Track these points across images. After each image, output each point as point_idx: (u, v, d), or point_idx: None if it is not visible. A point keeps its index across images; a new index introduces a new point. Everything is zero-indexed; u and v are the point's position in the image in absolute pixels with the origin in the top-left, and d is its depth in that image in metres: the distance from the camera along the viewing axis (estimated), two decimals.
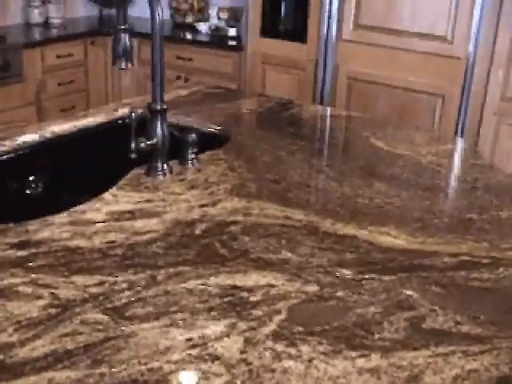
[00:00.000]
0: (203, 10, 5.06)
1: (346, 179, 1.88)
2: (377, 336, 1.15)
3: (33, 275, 1.28)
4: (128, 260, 1.35)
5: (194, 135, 1.88)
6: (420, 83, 3.69)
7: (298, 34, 4.09)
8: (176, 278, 1.29)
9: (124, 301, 1.21)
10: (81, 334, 1.11)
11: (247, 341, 1.12)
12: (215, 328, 1.15)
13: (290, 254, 1.41)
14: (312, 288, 1.29)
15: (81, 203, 1.65)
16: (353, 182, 1.85)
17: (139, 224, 1.51)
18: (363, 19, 3.82)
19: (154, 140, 1.79)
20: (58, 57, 4.55)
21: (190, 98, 2.67)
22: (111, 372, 1.02)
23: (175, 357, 1.07)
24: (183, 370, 1.05)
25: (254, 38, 4.26)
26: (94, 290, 1.24)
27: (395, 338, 1.15)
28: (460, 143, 2.41)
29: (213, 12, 4.85)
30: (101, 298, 1.21)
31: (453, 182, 1.96)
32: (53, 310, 1.17)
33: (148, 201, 1.64)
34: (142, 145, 1.77)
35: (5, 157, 1.99)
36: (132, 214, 1.56)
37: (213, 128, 2.28)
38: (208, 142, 2.09)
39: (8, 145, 2.01)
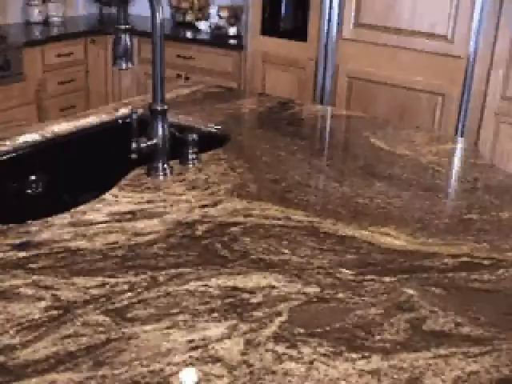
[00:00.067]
0: (203, 9, 5.05)
1: (347, 179, 1.88)
2: (377, 337, 1.16)
3: (34, 277, 1.28)
4: (129, 261, 1.35)
5: (194, 135, 1.88)
6: (420, 82, 3.69)
7: (298, 32, 4.09)
8: (177, 280, 1.29)
9: (125, 302, 1.21)
10: (82, 335, 1.11)
11: (248, 342, 1.12)
12: (216, 330, 1.15)
13: (290, 255, 1.42)
14: (313, 289, 1.29)
15: (81, 203, 1.65)
16: (353, 182, 1.85)
17: (140, 225, 1.52)
18: (363, 18, 3.82)
19: (155, 140, 1.80)
20: (58, 56, 4.55)
21: (191, 97, 2.67)
22: (113, 374, 1.03)
23: (177, 359, 1.07)
24: (184, 371, 1.05)
25: (255, 36, 4.26)
26: (95, 291, 1.24)
27: (396, 340, 1.15)
28: (460, 143, 2.41)
29: (213, 10, 4.86)
30: (102, 300, 1.21)
31: (453, 182, 1.96)
32: (54, 312, 1.17)
33: (149, 201, 1.65)
34: (143, 145, 1.77)
35: (5, 156, 1.99)
36: (133, 215, 1.56)
37: (213, 127, 2.29)
38: (208, 142, 2.09)
39: (9, 144, 2.01)
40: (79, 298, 1.22)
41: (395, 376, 1.06)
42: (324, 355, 1.10)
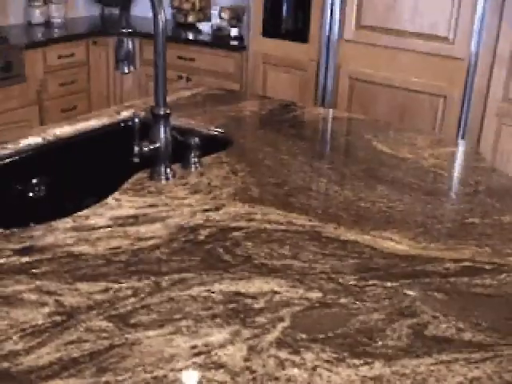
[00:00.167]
0: (205, 10, 5.06)
1: (348, 183, 1.88)
2: (380, 343, 1.16)
3: (37, 282, 1.28)
4: (132, 266, 1.36)
5: (196, 139, 1.88)
6: (422, 84, 3.70)
7: (299, 34, 4.10)
8: (180, 285, 1.30)
9: (129, 308, 1.21)
10: (86, 341, 1.12)
11: (251, 348, 1.12)
12: (219, 335, 1.15)
13: (292, 260, 1.42)
14: (315, 294, 1.29)
15: (84, 206, 1.65)
16: (355, 186, 1.85)
17: (143, 229, 1.52)
18: (365, 19, 3.83)
19: (157, 144, 1.80)
20: (59, 57, 4.55)
21: (192, 99, 2.67)
22: (116, 380, 1.03)
23: (180, 365, 1.07)
24: (187, 378, 1.05)
25: (256, 37, 4.26)
26: (98, 296, 1.25)
27: (398, 346, 1.16)
28: (462, 146, 2.42)
29: (214, 12, 4.86)
30: (105, 305, 1.22)
31: (455, 186, 1.96)
32: (58, 318, 1.18)
33: (151, 205, 1.65)
34: (146, 149, 1.77)
35: (8, 160, 1.99)
36: (136, 219, 1.57)
37: (215, 130, 2.29)
38: (210, 145, 2.10)
39: (11, 148, 2.01)
40: (82, 303, 1.22)
41: (397, 382, 1.06)
42: (327, 361, 1.10)
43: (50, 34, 4.74)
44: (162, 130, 1.80)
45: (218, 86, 3.19)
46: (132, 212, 1.61)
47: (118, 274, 1.33)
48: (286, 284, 1.32)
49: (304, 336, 1.17)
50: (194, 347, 1.12)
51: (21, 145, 2.04)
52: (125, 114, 2.40)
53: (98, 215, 1.59)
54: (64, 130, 2.20)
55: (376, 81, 3.86)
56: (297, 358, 1.11)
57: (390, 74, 3.80)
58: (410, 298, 1.30)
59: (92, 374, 1.04)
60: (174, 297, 1.26)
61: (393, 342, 1.17)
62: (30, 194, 2.06)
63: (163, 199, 1.69)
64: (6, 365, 1.05)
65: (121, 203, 1.66)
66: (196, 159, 1.90)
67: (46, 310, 1.20)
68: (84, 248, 1.43)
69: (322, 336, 1.17)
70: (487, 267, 1.44)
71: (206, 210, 1.64)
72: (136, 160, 1.76)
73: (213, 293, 1.28)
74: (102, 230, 1.51)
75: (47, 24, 4.96)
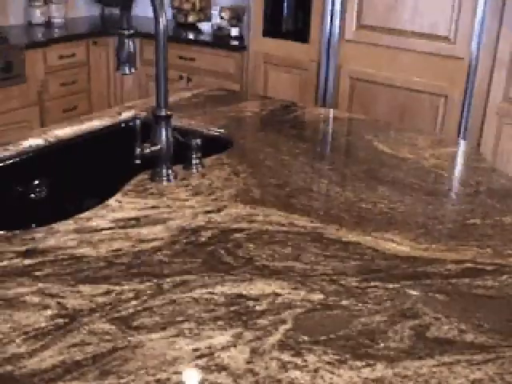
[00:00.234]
0: (205, 10, 5.06)
1: (350, 184, 1.88)
2: (382, 345, 1.16)
3: (40, 284, 1.29)
4: (134, 268, 1.36)
5: (197, 140, 1.88)
6: (422, 83, 3.70)
7: (300, 34, 4.10)
8: (182, 287, 1.30)
9: (131, 310, 1.22)
10: (89, 344, 1.12)
11: (253, 351, 1.13)
12: (221, 338, 1.15)
13: (294, 262, 1.42)
14: (317, 296, 1.30)
15: (85, 207, 1.66)
16: (356, 187, 1.86)
17: (144, 231, 1.52)
18: (365, 19, 3.83)
19: (159, 146, 1.80)
20: (60, 57, 4.55)
21: (193, 100, 2.67)
22: (119, 383, 1.03)
23: (182, 367, 1.08)
24: (190, 380, 1.06)
25: (256, 37, 4.27)
26: (100, 299, 1.25)
27: (400, 347, 1.16)
28: (462, 146, 2.42)
29: (215, 11, 4.86)
30: (108, 308, 1.22)
31: (456, 186, 1.96)
32: (60, 320, 1.18)
33: (153, 207, 1.65)
34: (147, 151, 1.77)
35: (9, 161, 1.99)
36: (137, 221, 1.57)
37: (216, 131, 2.29)
38: (211, 146, 2.10)
39: (12, 149, 2.01)
40: (85, 306, 1.22)
41: None
42: (329, 363, 1.11)
43: (50, 34, 4.74)
44: (163, 131, 1.80)
45: (219, 86, 3.20)
46: (133, 214, 1.61)
47: (119, 276, 1.33)
48: (288, 286, 1.33)
49: (306, 338, 1.17)
50: (196, 350, 1.12)
51: (22, 146, 2.04)
52: (126, 114, 2.41)
53: (100, 217, 1.59)
54: (65, 131, 2.20)
55: (377, 81, 3.86)
56: (299, 360, 1.11)
57: (391, 73, 3.80)
58: (411, 300, 1.30)
59: (95, 377, 1.04)
60: (176, 299, 1.26)
61: (395, 343, 1.17)
62: (32, 196, 2.06)
63: (165, 201, 1.69)
64: (9, 368, 1.05)
65: (122, 205, 1.66)
66: (197, 160, 1.90)
67: (49, 312, 1.20)
68: (86, 250, 1.43)
69: (324, 338, 1.17)
70: (488, 268, 1.45)
71: (208, 212, 1.64)
72: (137, 162, 1.76)
73: (215, 295, 1.28)
74: (103, 232, 1.51)
75: (47, 24, 4.96)
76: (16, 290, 1.27)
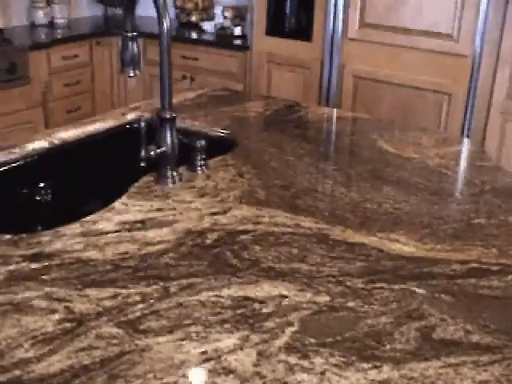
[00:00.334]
0: (208, 9, 5.06)
1: (355, 184, 1.89)
2: (388, 347, 1.17)
3: (47, 288, 1.29)
4: (140, 272, 1.37)
5: (202, 141, 1.89)
6: (426, 81, 3.70)
7: (303, 32, 4.10)
8: (189, 290, 1.30)
9: (138, 314, 1.22)
10: (96, 348, 1.12)
11: (260, 353, 1.13)
12: (228, 341, 1.16)
13: (300, 264, 1.43)
14: (323, 298, 1.30)
15: (90, 210, 1.66)
16: (361, 187, 1.86)
17: (150, 234, 1.53)
18: (368, 18, 3.83)
19: (164, 148, 1.80)
20: (63, 58, 4.56)
21: (197, 101, 2.68)
22: None
23: (190, 371, 1.08)
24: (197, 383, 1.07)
25: (260, 37, 4.27)
26: (107, 303, 1.25)
27: (406, 349, 1.16)
28: (467, 145, 2.42)
29: (218, 11, 4.86)
30: (115, 312, 1.22)
31: (461, 186, 1.97)
32: (68, 325, 1.18)
33: (159, 209, 1.66)
34: (152, 153, 1.78)
35: (14, 164, 2.00)
36: (143, 224, 1.57)
37: (220, 132, 2.30)
38: (216, 147, 2.10)
39: (17, 152, 2.02)
40: (92, 310, 1.23)
41: None
42: (335, 365, 1.11)
43: (53, 34, 4.74)
44: (168, 133, 1.81)
45: (222, 86, 3.20)
46: (139, 216, 1.62)
47: (126, 279, 1.34)
48: (294, 288, 1.33)
49: (313, 340, 1.17)
50: (203, 353, 1.12)
51: (27, 149, 2.05)
52: (130, 116, 2.41)
53: (106, 220, 1.60)
54: (70, 133, 2.21)
55: (380, 79, 3.86)
56: (306, 363, 1.11)
57: (394, 72, 3.80)
58: (417, 301, 1.31)
59: (103, 382, 1.05)
60: (182, 302, 1.26)
61: (401, 345, 1.17)
62: (37, 198, 2.07)
63: (170, 203, 1.70)
64: (17, 373, 1.06)
65: (128, 207, 1.66)
66: (202, 162, 1.90)
67: (56, 316, 1.21)
68: (92, 253, 1.43)
69: (330, 340, 1.18)
70: (494, 268, 1.45)
71: (214, 214, 1.64)
72: (142, 164, 1.76)
73: (221, 298, 1.28)
74: (109, 235, 1.52)
75: (50, 25, 4.97)
76: (23, 294, 1.27)
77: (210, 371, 1.08)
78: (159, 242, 1.49)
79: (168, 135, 1.81)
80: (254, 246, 1.49)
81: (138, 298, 1.27)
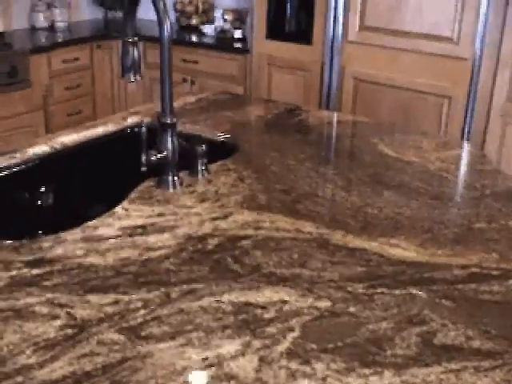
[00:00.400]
0: (208, 12, 5.07)
1: (355, 188, 1.89)
2: (389, 352, 1.17)
3: (48, 294, 1.29)
4: (142, 277, 1.37)
5: (203, 146, 1.89)
6: (426, 84, 3.70)
7: (303, 35, 4.11)
8: (190, 296, 1.31)
9: (139, 320, 1.22)
10: (98, 354, 1.13)
11: (262, 359, 1.13)
12: (230, 347, 1.16)
13: (301, 269, 1.43)
14: (324, 304, 1.30)
15: (92, 214, 1.67)
16: (362, 191, 1.86)
17: (152, 239, 1.53)
18: (368, 20, 3.83)
19: (165, 153, 1.81)
20: (64, 61, 4.56)
21: (197, 105, 2.68)
22: None
23: (192, 377, 1.08)
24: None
25: (260, 40, 4.27)
26: (109, 309, 1.26)
27: (407, 354, 1.16)
28: (467, 148, 2.42)
29: (218, 14, 4.87)
30: (116, 318, 1.23)
31: (461, 190, 1.97)
32: (69, 331, 1.19)
33: (160, 215, 1.66)
34: (153, 158, 1.78)
35: (16, 169, 2.00)
36: (144, 229, 1.58)
37: (221, 136, 2.30)
38: (216, 151, 2.10)
39: (19, 157, 2.02)
40: (94, 316, 1.23)
41: None
42: (337, 371, 1.11)
43: (54, 38, 4.75)
44: (169, 138, 1.81)
45: (222, 89, 3.21)
46: (140, 222, 1.62)
47: (127, 285, 1.34)
48: (296, 293, 1.33)
49: (314, 346, 1.17)
50: (205, 359, 1.13)
51: (28, 153, 2.05)
52: (131, 120, 2.41)
53: (107, 225, 1.60)
54: (71, 137, 2.21)
55: (380, 82, 3.86)
56: (307, 369, 1.11)
57: (394, 74, 3.80)
58: (418, 306, 1.31)
59: None
60: (184, 308, 1.27)
61: (402, 350, 1.18)
62: (38, 203, 2.07)
63: (171, 208, 1.70)
64: (19, 379, 1.06)
65: (129, 213, 1.67)
66: (203, 167, 1.90)
67: (58, 322, 1.21)
68: (94, 259, 1.44)
69: (331, 346, 1.18)
70: (494, 273, 1.45)
71: (214, 219, 1.65)
72: (143, 169, 1.77)
73: (223, 303, 1.29)
74: (111, 241, 1.52)
75: (51, 28, 4.97)
76: (25, 300, 1.28)
77: (211, 377, 1.08)
78: (160, 248, 1.49)
79: (169, 140, 1.81)
80: (255, 251, 1.49)
81: (139, 303, 1.27)
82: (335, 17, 3.90)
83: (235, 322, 1.23)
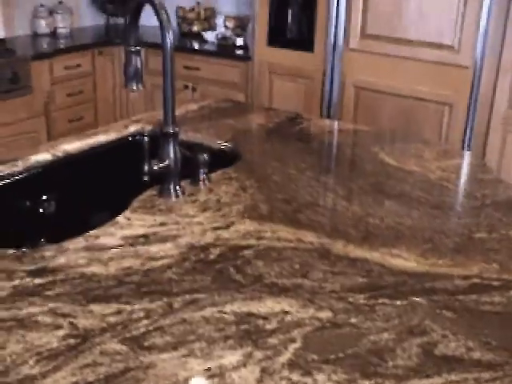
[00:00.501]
0: (210, 19, 5.08)
1: (356, 198, 1.90)
2: (390, 363, 1.17)
3: (51, 304, 1.30)
4: (144, 287, 1.37)
5: (205, 155, 1.90)
6: (427, 92, 3.71)
7: (304, 43, 4.12)
8: (192, 306, 1.31)
9: (142, 330, 1.23)
10: (101, 365, 1.13)
11: (264, 370, 1.14)
12: (232, 357, 1.17)
13: (302, 279, 1.43)
14: (326, 314, 1.31)
15: (94, 222, 1.67)
16: (363, 201, 1.87)
17: (154, 249, 1.54)
18: (369, 28, 3.84)
19: (167, 162, 1.82)
20: (66, 68, 4.57)
21: (199, 113, 2.69)
22: None
23: None
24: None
25: (261, 47, 4.28)
26: (111, 319, 1.26)
27: (408, 366, 1.17)
28: (468, 157, 2.43)
29: (219, 21, 4.88)
30: (119, 328, 1.23)
31: (462, 199, 1.98)
32: (72, 341, 1.19)
33: (162, 224, 1.67)
34: (155, 167, 1.79)
35: (18, 177, 2.01)
36: (146, 239, 1.58)
37: (222, 144, 2.31)
38: (218, 159, 2.11)
39: (21, 165, 2.03)
40: (96, 326, 1.24)
41: None
42: (338, 383, 1.12)
43: (55, 44, 4.76)
44: (171, 148, 1.82)
45: (224, 96, 3.22)
46: (142, 231, 1.63)
47: (130, 295, 1.34)
48: (297, 304, 1.34)
49: (315, 357, 1.18)
50: (207, 370, 1.13)
51: (30, 161, 2.06)
52: (133, 128, 2.42)
53: (109, 234, 1.61)
54: (73, 145, 2.22)
55: (381, 89, 3.87)
56: (309, 380, 1.12)
57: (396, 82, 3.81)
58: (419, 317, 1.32)
59: None
60: (186, 318, 1.27)
61: (403, 361, 1.18)
62: (40, 211, 2.07)
63: (173, 217, 1.70)
64: None
65: (131, 222, 1.67)
66: (205, 175, 1.91)
67: (61, 332, 1.21)
68: (96, 268, 1.44)
69: (333, 357, 1.18)
70: (495, 284, 1.46)
71: (216, 228, 1.65)
72: (146, 178, 1.77)
73: (225, 314, 1.29)
74: (113, 250, 1.53)
75: (53, 34, 4.99)
76: (28, 309, 1.28)
77: None
78: (162, 257, 1.50)
79: (171, 149, 1.82)
80: (257, 261, 1.50)
81: (142, 313, 1.28)
82: (337, 24, 3.92)
83: (237, 332, 1.24)
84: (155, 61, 4.57)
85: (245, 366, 1.15)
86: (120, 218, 1.69)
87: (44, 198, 2.08)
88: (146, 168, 1.77)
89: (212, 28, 5.01)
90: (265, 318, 1.29)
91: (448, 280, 1.46)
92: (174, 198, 1.81)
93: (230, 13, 4.93)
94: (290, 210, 1.79)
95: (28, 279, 1.39)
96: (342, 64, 3.98)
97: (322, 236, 1.64)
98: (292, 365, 1.16)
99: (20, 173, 2.02)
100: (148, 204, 1.78)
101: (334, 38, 3.95)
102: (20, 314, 1.27)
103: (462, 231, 1.73)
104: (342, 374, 1.14)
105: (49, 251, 1.51)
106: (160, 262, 1.48)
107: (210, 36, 4.87)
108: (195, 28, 5.05)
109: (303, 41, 4.12)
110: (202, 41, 4.88)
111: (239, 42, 4.66)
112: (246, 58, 4.40)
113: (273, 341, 1.22)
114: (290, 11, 4.15)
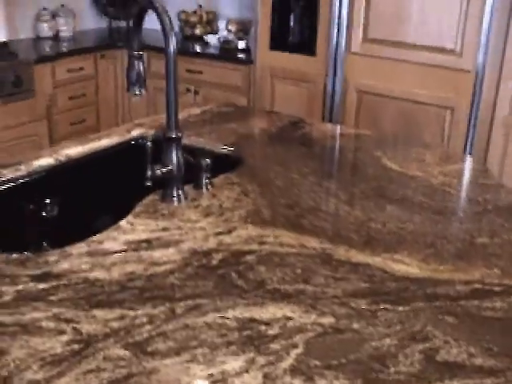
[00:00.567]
0: (212, 23, 5.09)
1: (359, 203, 1.90)
2: (392, 369, 1.18)
3: (54, 309, 1.31)
4: (147, 292, 1.38)
5: (207, 160, 1.90)
6: (429, 96, 3.71)
7: (306, 46, 4.12)
8: (195, 311, 1.32)
9: (145, 335, 1.23)
10: (104, 370, 1.14)
11: (266, 376, 1.14)
12: (235, 363, 1.17)
13: (305, 285, 1.44)
14: (328, 320, 1.31)
15: (96, 226, 1.68)
16: (365, 206, 1.87)
17: (157, 254, 1.54)
18: (371, 32, 3.85)
19: (170, 166, 1.82)
20: (68, 71, 4.58)
21: (202, 117, 2.70)
22: None
23: None
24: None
25: (263, 50, 4.29)
26: (115, 324, 1.27)
27: (410, 372, 1.17)
28: (470, 162, 2.43)
29: (222, 24, 4.89)
30: (122, 333, 1.24)
31: (464, 204, 1.98)
32: (76, 346, 1.20)
33: (164, 229, 1.67)
34: (158, 172, 1.79)
35: (21, 181, 2.02)
36: (149, 244, 1.59)
37: (225, 149, 2.31)
38: (220, 164, 2.12)
39: (23, 169, 2.04)
40: (100, 331, 1.24)
41: None
42: None
43: (58, 47, 4.77)
44: (174, 152, 1.82)
45: (226, 99, 3.23)
46: (145, 236, 1.63)
47: (133, 300, 1.35)
48: (299, 309, 1.34)
49: (318, 363, 1.18)
50: (210, 375, 1.14)
51: (33, 166, 2.07)
52: (135, 132, 2.43)
53: (112, 239, 1.61)
54: (75, 150, 2.22)
55: (383, 93, 3.88)
56: None
57: (398, 86, 3.82)
58: (421, 322, 1.32)
59: None
60: (189, 324, 1.28)
61: (405, 367, 1.18)
62: (43, 215, 2.08)
63: (176, 222, 1.71)
64: None
65: (134, 227, 1.68)
66: (207, 180, 1.92)
67: (65, 338, 1.22)
68: (99, 274, 1.45)
69: (335, 362, 1.19)
70: (497, 289, 1.46)
71: (219, 234, 1.66)
72: (148, 183, 1.78)
73: (227, 319, 1.30)
74: (116, 255, 1.53)
75: (56, 37, 5.00)
76: (31, 314, 1.29)
77: None
78: (165, 263, 1.50)
79: (174, 154, 1.82)
80: (259, 266, 1.50)
81: (145, 319, 1.29)
82: (339, 28, 3.92)
83: (239, 338, 1.24)
84: (157, 64, 4.58)
85: (247, 371, 1.15)
86: (123, 223, 1.70)
87: (47, 202, 2.09)
88: (149, 173, 1.77)
89: (214, 31, 5.02)
90: (267, 323, 1.29)
91: (450, 285, 1.47)
92: (176, 203, 1.82)
93: (233, 16, 4.94)
94: (292, 214, 1.79)
95: (32, 284, 1.40)
96: (344, 68, 3.98)
97: (324, 241, 1.64)
98: (294, 370, 1.16)
99: (23, 177, 2.02)
100: (151, 209, 1.79)
101: (336, 41, 3.96)
102: (23, 319, 1.27)
103: (464, 236, 1.73)
104: (344, 379, 1.14)
105: (52, 256, 1.52)
106: (163, 268, 1.48)
107: (212, 39, 4.88)
108: (197, 31, 5.06)
109: (305, 44, 4.13)
110: (205, 44, 4.89)
111: (241, 45, 4.67)
112: (249, 61, 4.41)
113: (275, 346, 1.22)
114: (292, 15, 4.16)
